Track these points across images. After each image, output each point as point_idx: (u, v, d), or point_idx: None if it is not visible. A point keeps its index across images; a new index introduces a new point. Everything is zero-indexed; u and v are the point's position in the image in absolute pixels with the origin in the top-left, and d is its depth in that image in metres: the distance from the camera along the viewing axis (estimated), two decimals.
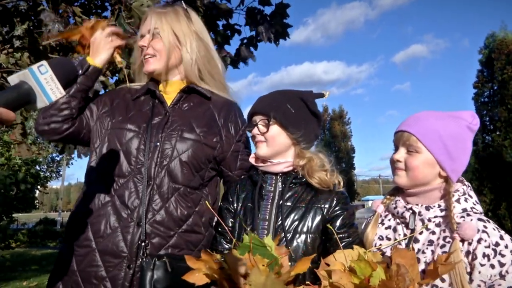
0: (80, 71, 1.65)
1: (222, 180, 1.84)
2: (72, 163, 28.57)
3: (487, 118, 13.70)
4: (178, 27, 1.76)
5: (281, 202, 1.54)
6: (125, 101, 1.78)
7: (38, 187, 15.59)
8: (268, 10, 4.06)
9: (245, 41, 4.26)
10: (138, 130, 1.67)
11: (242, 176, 1.76)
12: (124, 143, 1.65)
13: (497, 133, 13.25)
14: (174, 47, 1.76)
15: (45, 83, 1.13)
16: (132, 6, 3.00)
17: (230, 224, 1.61)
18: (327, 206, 1.53)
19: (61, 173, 30.22)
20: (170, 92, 1.79)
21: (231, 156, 1.76)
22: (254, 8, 4.01)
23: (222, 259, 1.21)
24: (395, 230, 1.59)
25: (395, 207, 1.60)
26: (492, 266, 1.36)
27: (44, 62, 1.13)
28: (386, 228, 1.62)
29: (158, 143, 1.64)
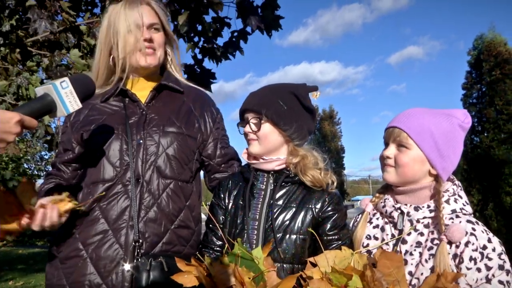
0: None
1: (204, 172, 1.83)
2: None
3: (476, 119, 13.81)
4: (166, 21, 1.76)
5: (272, 201, 1.52)
6: (92, 108, 1.71)
7: None
8: (259, 2, 4.07)
9: (235, 34, 4.24)
10: (116, 132, 1.62)
11: (223, 165, 1.76)
12: (105, 148, 1.61)
13: (485, 134, 13.37)
14: (166, 42, 1.79)
15: (65, 96, 1.31)
16: None
17: (222, 221, 1.59)
18: (318, 206, 1.50)
19: None
20: (142, 88, 1.74)
21: (210, 144, 1.76)
22: (244, 0, 3.97)
23: (210, 265, 1.20)
24: (383, 229, 1.57)
25: (384, 206, 1.58)
26: (479, 270, 1.33)
27: (66, 78, 1.31)
28: (374, 227, 1.60)
29: (141, 141, 1.61)
